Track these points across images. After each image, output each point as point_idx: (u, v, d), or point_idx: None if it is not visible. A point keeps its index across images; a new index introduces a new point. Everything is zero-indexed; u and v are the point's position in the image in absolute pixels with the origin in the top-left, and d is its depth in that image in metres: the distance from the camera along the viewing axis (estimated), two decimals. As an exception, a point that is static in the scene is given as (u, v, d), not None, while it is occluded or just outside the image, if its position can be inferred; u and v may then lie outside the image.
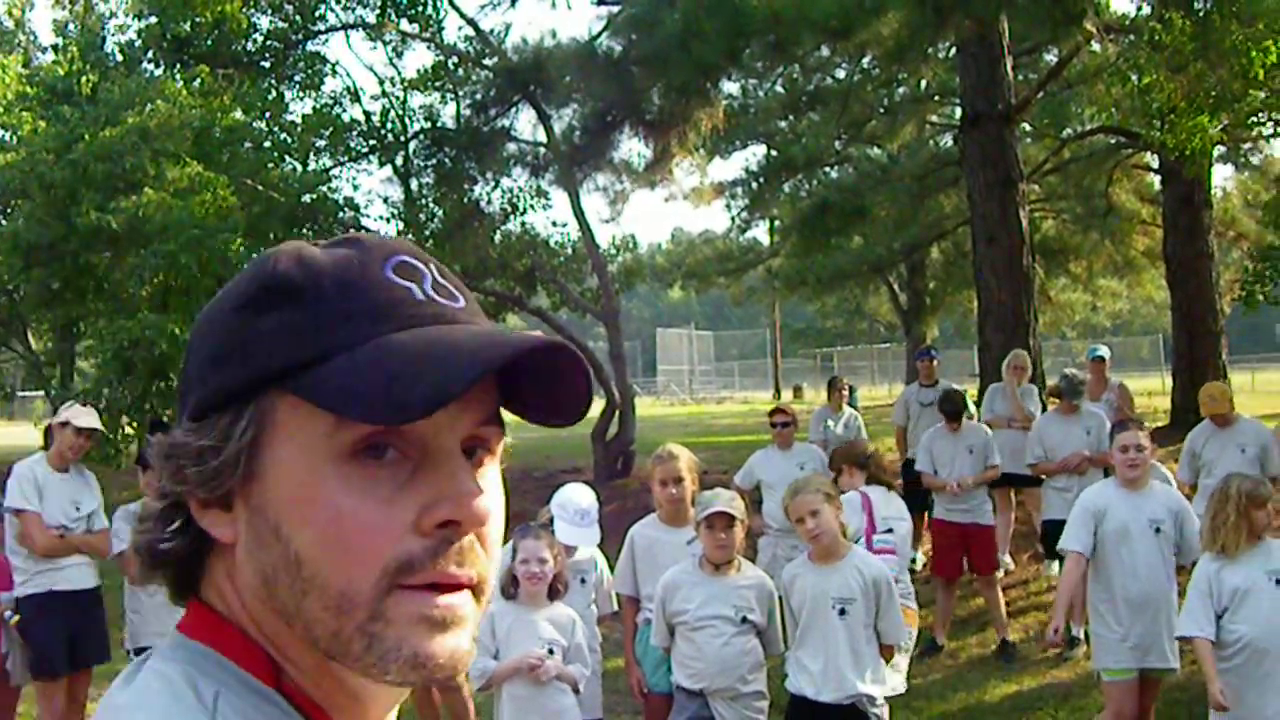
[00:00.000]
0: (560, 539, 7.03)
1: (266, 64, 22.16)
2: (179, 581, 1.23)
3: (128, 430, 17.13)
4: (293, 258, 1.18)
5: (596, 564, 7.59)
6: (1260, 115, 15.30)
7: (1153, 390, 28.33)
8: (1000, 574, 12.61)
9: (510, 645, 6.37)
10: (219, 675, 1.13)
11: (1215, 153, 18.01)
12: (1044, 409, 13.34)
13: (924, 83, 25.37)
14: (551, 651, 6.37)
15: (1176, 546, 7.58)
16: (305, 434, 1.11)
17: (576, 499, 7.34)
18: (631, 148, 22.77)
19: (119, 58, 21.50)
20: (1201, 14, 13.53)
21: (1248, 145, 24.96)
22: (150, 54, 21.29)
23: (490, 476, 1.18)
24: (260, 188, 18.09)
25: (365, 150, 21.85)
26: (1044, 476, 11.67)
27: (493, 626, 6.46)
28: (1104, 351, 13.53)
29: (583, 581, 7.38)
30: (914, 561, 13.78)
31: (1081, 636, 10.61)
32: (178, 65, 20.52)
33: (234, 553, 1.17)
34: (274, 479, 1.13)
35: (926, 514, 12.62)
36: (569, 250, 23.55)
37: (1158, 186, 24.36)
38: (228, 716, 1.09)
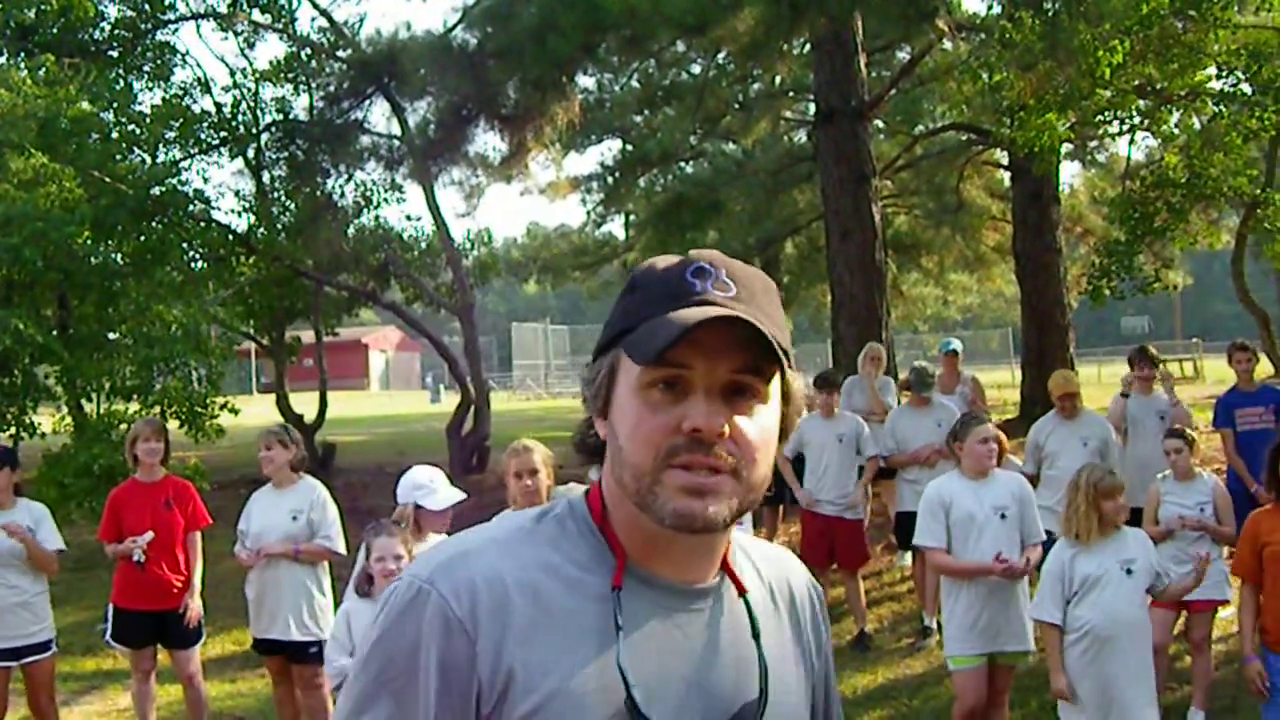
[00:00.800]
0: (434, 507, 7.13)
1: (114, 53, 21.69)
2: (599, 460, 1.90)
3: (-27, 427, 16.71)
4: (643, 265, 1.85)
5: None
6: (1106, 113, 15.55)
7: (1002, 383, 28.85)
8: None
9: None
10: (569, 513, 1.88)
11: (1063, 150, 18.30)
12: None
13: (778, 79, 25.60)
14: None
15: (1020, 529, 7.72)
16: (627, 373, 1.78)
17: (422, 474, 7.30)
18: (487, 141, 22.74)
19: (-40, 46, 20.93)
20: (1051, 14, 13.75)
21: (1094, 143, 25.41)
22: (-7, 42, 20.78)
23: (757, 409, 1.76)
24: (108, 180, 17.66)
25: (216, 142, 21.45)
26: (896, 469, 11.78)
27: (349, 624, 6.39)
28: (957, 345, 13.66)
29: None
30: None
31: (934, 626, 10.73)
32: (22, 53, 20.01)
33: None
34: (615, 400, 1.81)
35: (781, 506, 12.66)
36: (423, 244, 23.37)
37: (1007, 183, 24.74)
38: (543, 531, 1.85)
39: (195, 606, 9.06)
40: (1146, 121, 16.29)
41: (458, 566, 1.78)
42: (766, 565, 2.03)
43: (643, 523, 1.78)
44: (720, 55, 22.36)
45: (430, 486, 7.20)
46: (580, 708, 1.72)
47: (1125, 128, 17.36)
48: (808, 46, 19.90)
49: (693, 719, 1.80)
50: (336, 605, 8.60)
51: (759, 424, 1.76)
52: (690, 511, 1.71)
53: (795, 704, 1.95)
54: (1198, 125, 16.21)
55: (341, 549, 8.56)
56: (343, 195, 22.05)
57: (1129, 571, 6.73)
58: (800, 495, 11.60)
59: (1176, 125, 16.74)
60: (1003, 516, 7.65)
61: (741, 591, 1.90)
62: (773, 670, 1.88)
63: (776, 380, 1.79)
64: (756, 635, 1.88)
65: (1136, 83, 14.51)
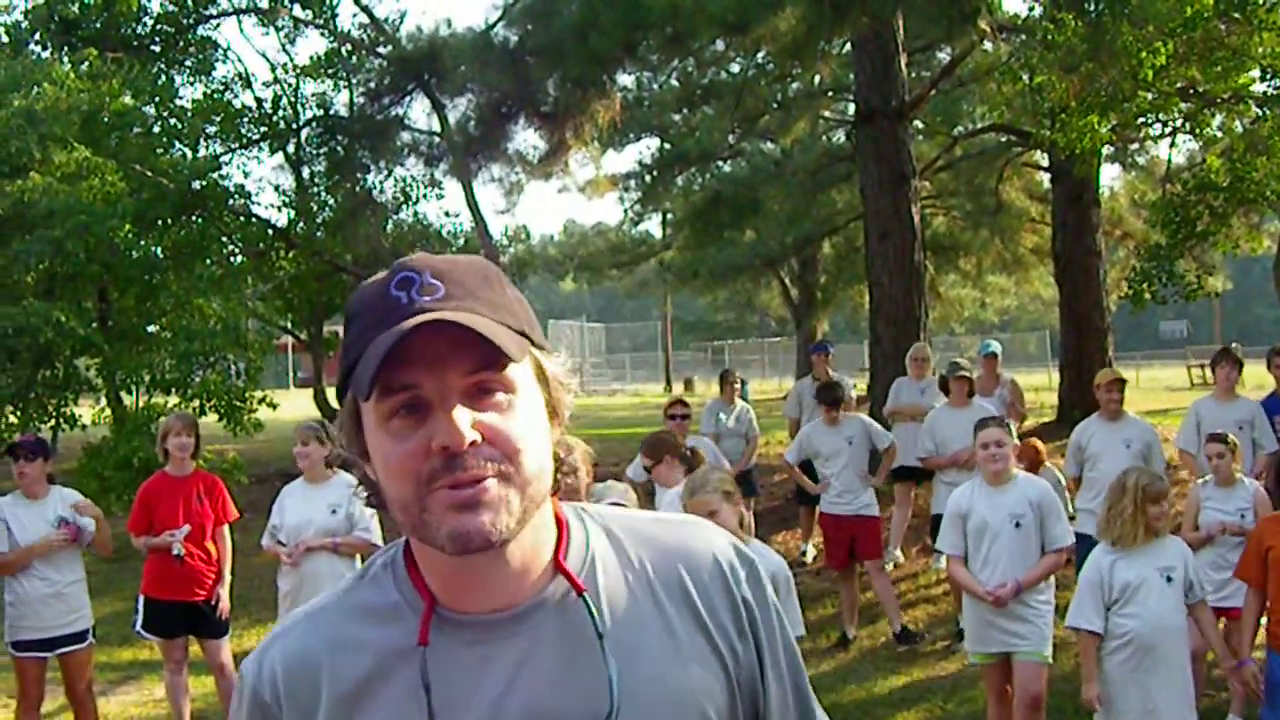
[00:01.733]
0: None
1: (157, 48, 21.84)
2: None
3: (11, 419, 16.81)
4: (356, 291, 1.76)
5: None
6: (1148, 116, 15.49)
7: (1040, 386, 28.69)
8: (890, 567, 12.70)
9: None
10: (389, 563, 1.81)
11: (1104, 152, 18.20)
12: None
13: (818, 78, 25.50)
14: None
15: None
16: (366, 412, 1.68)
17: None
18: (526, 139, 22.74)
19: (4, 39, 20.99)
20: (1093, 15, 13.68)
21: (1135, 145, 25.32)
22: (37, 36, 20.86)
23: (508, 401, 1.66)
24: (149, 174, 17.79)
25: (256, 137, 21.60)
26: (935, 470, 11.76)
27: None
28: (996, 348, 13.62)
29: None
30: (804, 554, 13.88)
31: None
32: (65, 48, 20.12)
33: None
34: (368, 441, 1.69)
35: (816, 508, 12.66)
36: (462, 241, 23.45)
37: (1047, 185, 24.62)
38: (358, 592, 1.81)
39: (226, 598, 9.15)
40: (1189, 124, 16.21)
41: (268, 649, 1.79)
42: (647, 549, 1.84)
43: (436, 559, 1.70)
44: (760, 54, 22.31)
45: None
46: None
47: (1167, 130, 17.29)
48: (848, 46, 19.86)
49: None
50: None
51: (515, 416, 1.66)
52: (465, 530, 1.61)
53: (679, 705, 1.73)
54: (1240, 128, 16.09)
55: (379, 540, 8.61)
56: (382, 191, 22.21)
57: (1169, 579, 6.68)
58: (815, 488, 11.78)
59: (1219, 128, 16.64)
60: (1017, 525, 7.62)
61: (579, 591, 1.73)
62: (634, 671, 1.71)
63: (526, 366, 1.71)
64: (600, 636, 1.71)
65: (1179, 85, 14.43)
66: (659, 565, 1.81)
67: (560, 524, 1.80)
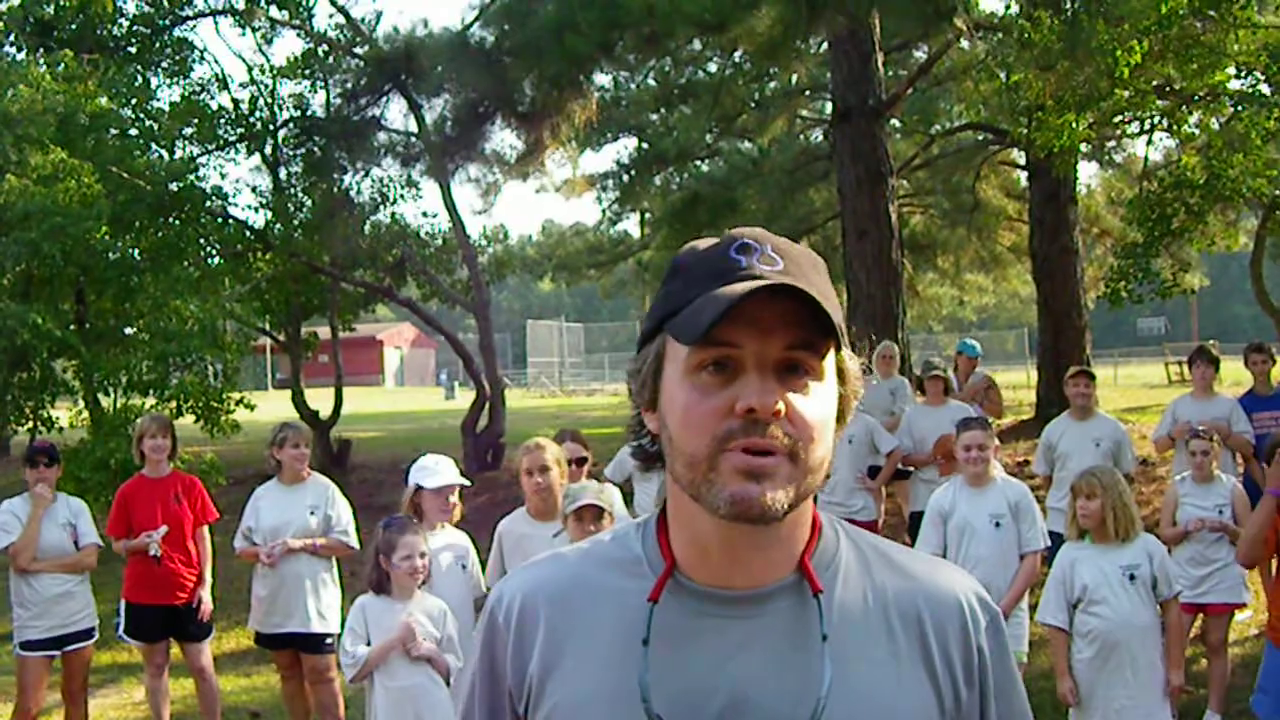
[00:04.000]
0: (436, 486, 7.14)
1: (133, 49, 21.71)
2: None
3: (-10, 422, 16.78)
4: (684, 249, 1.81)
5: (468, 548, 7.50)
6: (1125, 114, 15.53)
7: (1018, 384, 28.77)
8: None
9: (381, 638, 6.33)
10: (642, 522, 1.90)
11: (1081, 150, 18.25)
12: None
13: (795, 77, 25.55)
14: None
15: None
16: (673, 359, 1.73)
17: (428, 460, 7.38)
18: (503, 139, 22.65)
19: (-21, 41, 20.97)
20: (1070, 13, 13.73)
21: (1112, 143, 25.35)
22: (12, 37, 20.74)
23: (813, 387, 1.69)
24: (126, 175, 17.72)
25: (233, 138, 21.52)
26: (912, 468, 11.74)
27: (365, 617, 6.43)
28: (978, 348, 13.63)
29: (464, 568, 7.30)
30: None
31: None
32: (41, 49, 20.02)
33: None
34: (663, 389, 1.76)
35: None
36: (439, 241, 23.44)
37: (1024, 183, 24.71)
38: (607, 544, 1.91)
39: (208, 600, 9.14)
40: (1165, 122, 16.26)
41: (514, 579, 1.93)
42: (892, 574, 1.84)
43: (696, 525, 1.75)
44: (737, 54, 22.33)
45: (432, 469, 7.24)
46: (589, 718, 1.76)
47: (1144, 128, 17.34)
48: (825, 45, 19.88)
49: None
50: (343, 599, 8.68)
51: (815, 402, 1.69)
52: (747, 495, 1.64)
53: None
54: (1216, 126, 16.14)
55: (356, 544, 8.63)
56: (359, 192, 22.12)
57: (1131, 577, 6.71)
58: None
59: (1195, 126, 16.68)
60: (997, 525, 7.71)
61: (815, 591, 1.75)
62: (845, 682, 1.70)
63: (831, 358, 1.75)
64: (824, 639, 1.71)
65: (1155, 83, 14.48)
66: (900, 592, 1.82)
67: (815, 526, 1.84)
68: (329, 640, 8.50)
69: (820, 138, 28.39)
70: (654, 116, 26.90)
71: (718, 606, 1.76)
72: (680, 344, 1.69)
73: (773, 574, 1.77)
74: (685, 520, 1.78)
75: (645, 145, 27.80)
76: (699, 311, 1.64)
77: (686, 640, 1.75)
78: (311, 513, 8.54)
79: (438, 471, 7.24)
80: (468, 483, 7.41)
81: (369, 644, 6.34)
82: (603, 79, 22.80)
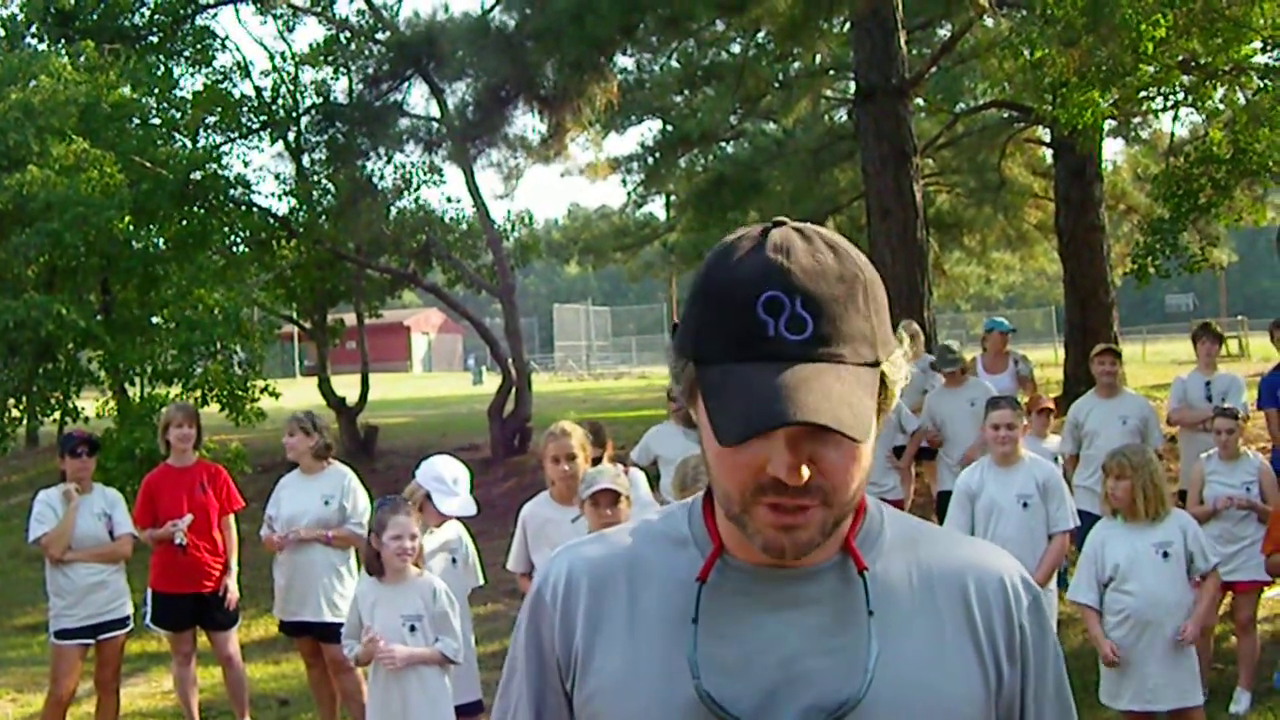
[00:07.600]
0: (444, 511, 7.11)
1: (155, 39, 21.74)
2: None
3: (14, 413, 16.81)
4: (715, 259, 1.76)
5: (463, 540, 7.49)
6: (1150, 89, 15.42)
7: (1046, 362, 28.66)
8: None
9: (374, 623, 6.40)
10: (692, 503, 1.91)
11: (1106, 127, 18.14)
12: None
13: (818, 57, 25.42)
14: (413, 629, 6.39)
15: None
16: (704, 410, 1.67)
17: (449, 470, 7.29)
18: (526, 123, 22.66)
19: (1, 32, 20.99)
20: (1092, -12, 13.61)
21: (1138, 119, 25.18)
22: (34, 28, 20.81)
23: (837, 442, 1.62)
24: (149, 165, 17.75)
25: (256, 126, 21.54)
26: (937, 448, 11.70)
27: (358, 609, 6.47)
28: (1007, 324, 13.51)
29: (454, 562, 7.30)
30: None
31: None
32: (63, 40, 20.07)
33: None
34: (699, 409, 1.71)
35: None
36: (464, 226, 23.45)
37: (1050, 160, 24.58)
38: (658, 523, 1.93)
39: (234, 588, 9.16)
40: (1190, 97, 16.14)
41: (562, 555, 1.94)
42: (937, 553, 1.87)
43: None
44: (760, 34, 22.25)
45: (450, 488, 7.20)
46: (635, 693, 1.79)
47: (1169, 103, 17.21)
48: (847, 24, 19.79)
49: (782, 707, 1.72)
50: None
51: (850, 455, 1.66)
52: (779, 545, 1.67)
53: (927, 702, 1.75)
54: (1242, 100, 16.01)
55: (368, 535, 8.67)
56: (382, 178, 22.12)
57: (1165, 555, 6.68)
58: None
59: (1221, 100, 16.56)
60: (1025, 505, 7.65)
61: (861, 568, 1.78)
62: (894, 657, 1.73)
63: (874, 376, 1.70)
64: (870, 614, 1.74)
65: (1180, 58, 14.36)
66: (945, 570, 1.85)
67: (860, 508, 1.84)
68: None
69: (844, 117, 28.29)
70: (678, 98, 26.80)
71: (765, 584, 1.78)
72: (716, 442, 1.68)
73: (819, 555, 1.77)
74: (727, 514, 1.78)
75: (669, 127, 27.71)
76: (729, 415, 1.61)
77: (735, 619, 1.78)
78: (326, 502, 8.56)
79: (454, 494, 7.22)
80: (475, 511, 7.37)
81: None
82: (625, 61, 22.77)
